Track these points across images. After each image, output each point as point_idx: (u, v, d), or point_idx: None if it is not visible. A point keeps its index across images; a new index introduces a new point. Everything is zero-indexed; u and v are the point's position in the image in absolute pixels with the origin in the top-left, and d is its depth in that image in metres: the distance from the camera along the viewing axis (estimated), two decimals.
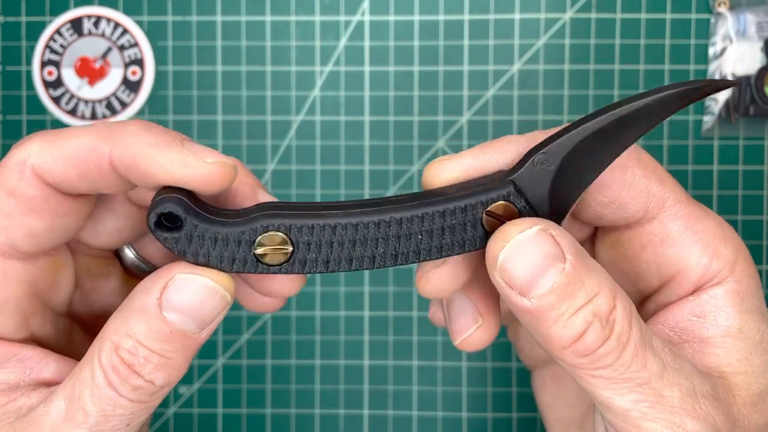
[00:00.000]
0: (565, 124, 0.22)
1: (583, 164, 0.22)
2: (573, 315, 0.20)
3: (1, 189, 0.21)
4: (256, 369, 0.40)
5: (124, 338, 0.20)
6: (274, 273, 0.21)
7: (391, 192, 0.40)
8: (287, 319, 0.40)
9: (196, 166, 0.21)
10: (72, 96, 0.40)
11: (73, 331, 0.25)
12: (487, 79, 0.39)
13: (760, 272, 0.29)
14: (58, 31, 0.40)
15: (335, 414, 0.40)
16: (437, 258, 0.22)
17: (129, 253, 0.26)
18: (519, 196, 0.22)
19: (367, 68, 0.40)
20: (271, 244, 0.21)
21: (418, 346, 0.40)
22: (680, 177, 0.39)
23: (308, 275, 0.21)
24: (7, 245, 0.21)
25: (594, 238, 0.26)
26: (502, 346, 0.40)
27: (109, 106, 0.40)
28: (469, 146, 0.40)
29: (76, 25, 0.40)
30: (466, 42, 0.39)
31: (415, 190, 0.40)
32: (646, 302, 0.25)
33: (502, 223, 0.21)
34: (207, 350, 0.40)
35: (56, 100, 0.40)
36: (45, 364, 0.22)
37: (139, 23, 0.40)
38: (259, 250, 0.21)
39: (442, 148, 0.40)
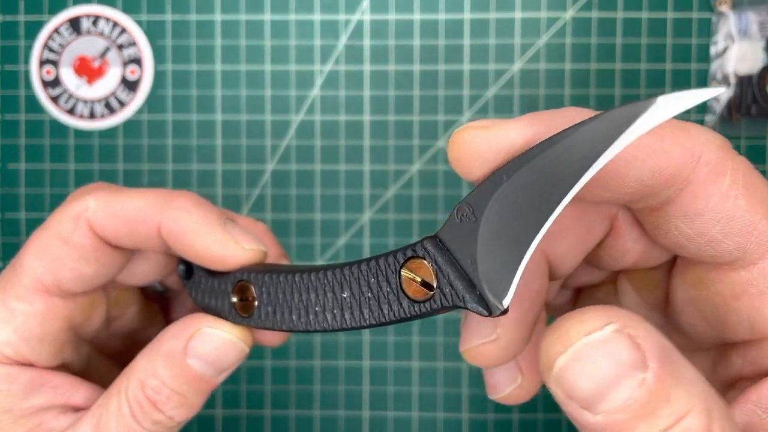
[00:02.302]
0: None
1: (523, 215, 0.17)
2: None
3: (56, 236, 0.23)
4: (255, 370, 0.40)
5: (150, 378, 0.23)
6: (249, 324, 0.23)
7: (390, 192, 0.40)
8: None
9: (234, 252, 0.23)
10: (70, 95, 0.40)
11: (92, 354, 0.27)
12: (487, 78, 0.39)
13: None
14: (56, 30, 0.40)
15: (335, 415, 0.40)
16: (365, 321, 0.20)
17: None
18: (440, 254, 0.18)
19: (367, 67, 0.39)
20: (242, 294, 0.23)
21: (418, 347, 0.40)
22: None
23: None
24: (54, 285, 0.23)
25: (672, 267, 0.22)
26: None
27: (108, 106, 0.40)
28: None
29: (75, 24, 0.40)
30: (466, 41, 0.39)
31: (416, 189, 0.40)
32: (730, 352, 0.21)
33: (420, 285, 0.18)
34: None
35: (55, 100, 0.40)
36: (75, 390, 0.24)
37: (138, 22, 0.40)
38: (234, 299, 0.23)
39: (443, 148, 0.39)
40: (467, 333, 0.20)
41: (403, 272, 0.19)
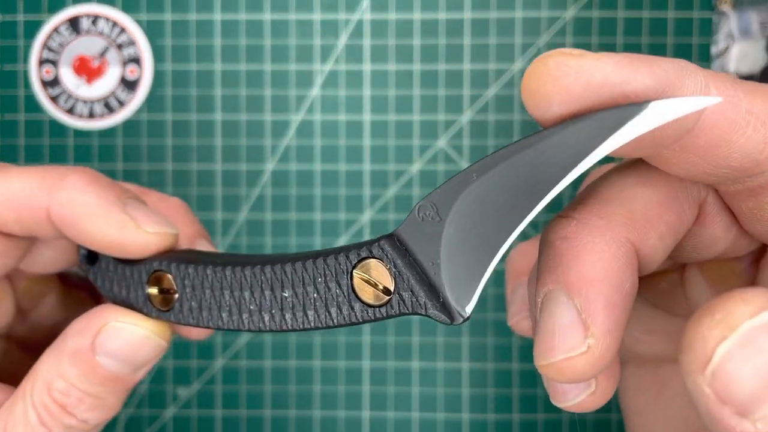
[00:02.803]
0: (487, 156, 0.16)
1: (493, 217, 0.16)
2: None
3: None
4: (255, 370, 0.40)
5: (56, 379, 0.20)
6: (168, 319, 0.21)
7: (390, 191, 0.40)
8: None
9: (135, 237, 0.20)
10: (70, 95, 0.40)
11: (9, 350, 0.24)
12: (487, 78, 0.39)
13: None
14: (55, 30, 0.40)
15: (335, 416, 0.40)
16: (308, 324, 0.18)
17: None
18: (399, 256, 0.17)
19: (367, 67, 0.39)
20: (159, 285, 0.21)
21: (418, 347, 0.40)
22: None
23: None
24: None
25: (761, 258, 0.20)
26: (503, 347, 0.39)
27: (107, 105, 0.40)
28: (471, 146, 0.40)
29: (74, 23, 0.40)
30: (466, 41, 0.39)
31: (416, 189, 0.39)
32: None
33: (375, 288, 0.17)
34: (206, 351, 0.40)
35: (54, 100, 0.40)
36: None
37: (138, 22, 0.40)
38: (150, 291, 0.21)
39: (443, 148, 0.39)
40: (547, 344, 0.17)
41: (356, 273, 0.17)
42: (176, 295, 0.20)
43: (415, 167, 0.39)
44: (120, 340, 0.21)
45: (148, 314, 0.21)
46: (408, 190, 0.39)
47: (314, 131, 0.39)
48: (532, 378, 0.39)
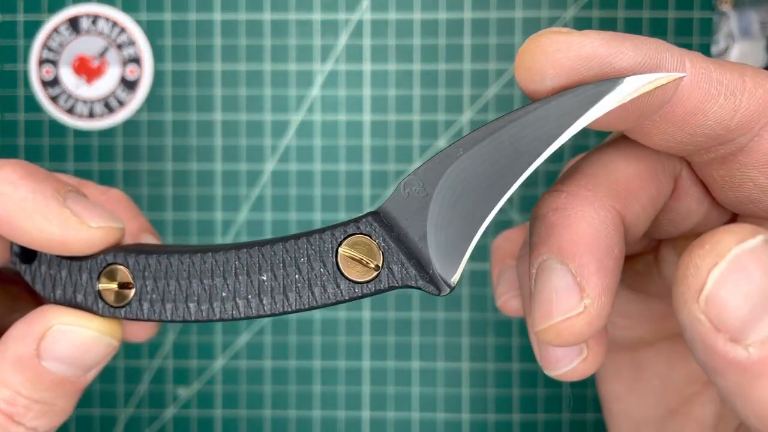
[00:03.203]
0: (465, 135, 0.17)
1: (477, 190, 0.17)
2: None
3: None
4: (255, 370, 0.40)
5: (0, 388, 0.19)
6: (122, 316, 0.19)
7: (390, 192, 0.40)
8: (287, 321, 0.40)
9: (78, 233, 0.19)
10: (70, 95, 0.40)
11: None
12: (487, 77, 0.39)
13: None
14: (55, 30, 0.40)
15: (335, 416, 0.40)
16: (290, 306, 0.18)
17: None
18: (386, 231, 0.17)
19: (367, 67, 0.39)
20: (111, 280, 0.19)
21: (419, 347, 0.40)
22: None
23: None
24: None
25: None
26: (503, 348, 0.39)
27: (107, 105, 0.40)
28: None
29: (74, 23, 0.40)
30: (467, 40, 0.39)
31: None
32: None
33: (362, 263, 0.17)
34: (206, 352, 0.40)
35: (54, 99, 0.40)
36: None
37: (138, 21, 0.40)
38: (102, 286, 0.19)
39: (443, 148, 0.39)
40: (545, 309, 0.17)
41: (341, 250, 0.18)
42: (132, 290, 0.19)
43: (415, 167, 0.39)
44: (67, 343, 0.19)
45: (97, 312, 0.20)
46: None
47: (314, 131, 0.39)
48: (533, 378, 0.39)
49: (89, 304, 0.20)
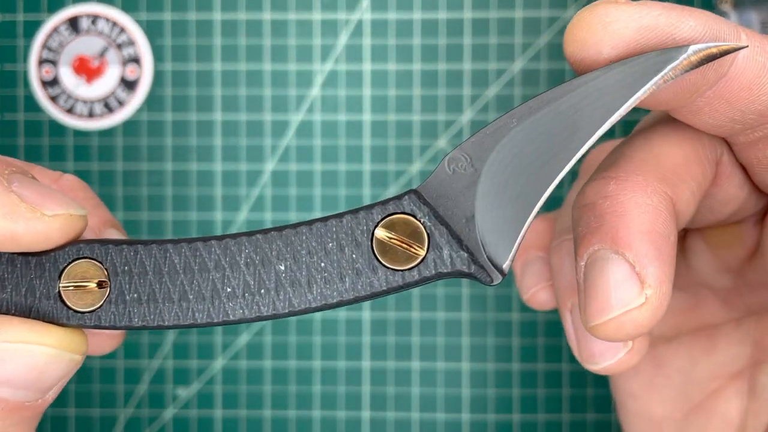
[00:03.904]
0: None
1: (532, 166, 0.15)
2: None
3: None
4: (255, 371, 0.40)
5: None
6: (90, 324, 0.16)
7: (390, 191, 0.40)
8: (286, 321, 0.40)
9: (30, 221, 0.15)
10: (69, 95, 0.40)
11: None
12: (488, 77, 0.39)
13: None
14: (55, 30, 0.40)
15: (335, 416, 0.40)
16: (314, 302, 0.15)
17: None
18: (429, 209, 0.15)
19: (367, 67, 0.39)
20: (80, 278, 0.16)
21: (419, 348, 0.40)
22: None
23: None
24: None
25: (763, 218, 0.20)
26: (503, 348, 0.39)
27: (107, 105, 0.40)
28: None
29: (74, 23, 0.40)
30: (467, 40, 0.39)
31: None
32: None
33: (403, 247, 0.15)
34: (206, 352, 0.40)
35: (53, 99, 0.40)
36: None
37: (138, 21, 0.39)
38: (65, 286, 0.16)
39: (443, 148, 0.39)
40: (602, 302, 0.16)
41: (378, 233, 0.15)
42: (106, 289, 0.16)
43: (415, 167, 0.39)
44: (18, 365, 0.16)
45: (58, 322, 0.16)
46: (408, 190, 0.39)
47: (314, 131, 0.39)
48: (533, 378, 0.39)
49: (46, 311, 0.16)
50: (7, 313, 0.16)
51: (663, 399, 0.23)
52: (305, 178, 0.39)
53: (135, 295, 0.16)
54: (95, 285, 0.16)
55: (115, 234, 0.19)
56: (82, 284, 0.16)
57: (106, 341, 0.19)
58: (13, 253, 0.16)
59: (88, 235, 0.18)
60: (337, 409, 0.40)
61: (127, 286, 0.16)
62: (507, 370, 0.39)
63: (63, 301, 0.16)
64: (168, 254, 0.15)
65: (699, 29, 0.16)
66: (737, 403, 0.21)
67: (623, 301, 0.16)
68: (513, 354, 0.39)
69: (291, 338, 0.40)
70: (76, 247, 0.16)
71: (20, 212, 0.15)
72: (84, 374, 0.40)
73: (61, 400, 0.40)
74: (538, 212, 0.15)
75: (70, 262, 0.16)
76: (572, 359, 0.39)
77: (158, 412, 0.40)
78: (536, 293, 0.23)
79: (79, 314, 0.16)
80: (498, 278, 0.15)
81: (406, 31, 0.39)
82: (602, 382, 0.39)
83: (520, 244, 0.15)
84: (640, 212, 0.16)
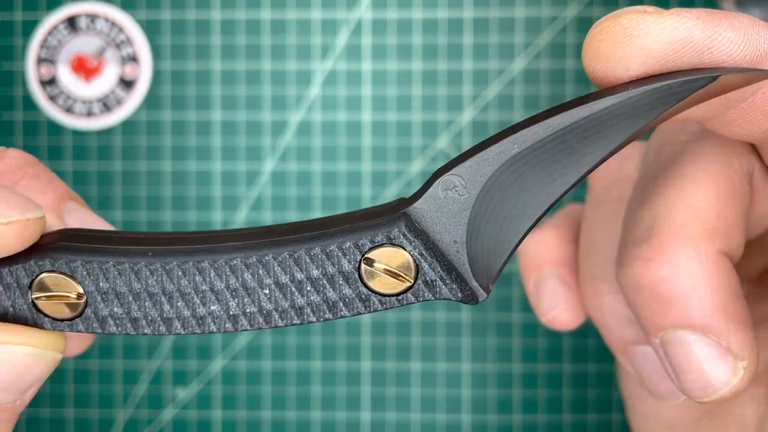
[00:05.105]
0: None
1: (529, 189, 0.15)
2: None
3: None
4: (254, 372, 0.40)
5: None
6: (68, 330, 0.16)
7: (390, 191, 0.39)
8: None
9: None
10: (68, 95, 0.40)
11: None
12: (488, 77, 0.39)
13: None
14: (53, 28, 0.39)
15: (335, 417, 0.40)
16: (299, 320, 0.15)
17: None
18: (418, 240, 0.15)
19: (367, 66, 0.39)
20: (54, 289, 0.15)
21: (419, 348, 0.39)
22: None
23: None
24: None
25: None
26: (504, 349, 0.39)
27: (105, 105, 0.40)
28: (471, 146, 0.39)
29: (72, 22, 0.39)
30: (467, 39, 0.39)
31: (415, 189, 0.39)
32: None
33: (391, 275, 0.15)
34: (205, 353, 0.40)
35: (52, 99, 0.40)
36: None
37: (136, 20, 0.39)
38: (38, 295, 0.15)
39: (443, 148, 0.39)
40: (701, 383, 0.17)
41: (365, 262, 0.15)
42: (83, 300, 0.15)
43: (415, 167, 0.39)
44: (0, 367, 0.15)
45: (35, 325, 0.16)
46: (408, 190, 0.39)
47: (313, 130, 0.39)
48: (533, 380, 0.39)
49: (22, 317, 0.15)
50: None
51: (676, 403, 0.22)
52: (304, 178, 0.39)
53: (113, 309, 0.15)
54: (73, 295, 0.15)
55: (75, 208, 0.18)
56: (55, 295, 0.15)
57: (75, 343, 0.19)
58: None
59: (47, 214, 0.17)
60: (337, 411, 0.40)
61: (104, 302, 0.15)
62: (507, 371, 0.39)
63: (39, 310, 0.16)
64: (142, 275, 0.15)
65: (738, 43, 0.14)
66: (753, 408, 0.20)
67: (723, 380, 0.16)
68: (513, 355, 0.39)
69: (290, 339, 0.39)
70: (41, 262, 0.15)
71: None
72: (82, 375, 0.40)
73: (59, 401, 0.40)
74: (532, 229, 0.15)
75: (38, 275, 0.15)
76: (573, 360, 0.39)
77: (157, 414, 0.40)
78: (556, 316, 0.22)
79: (57, 321, 0.16)
80: (483, 297, 0.15)
81: (406, 30, 0.39)
82: (603, 383, 0.39)
83: (506, 263, 0.15)
84: (705, 290, 0.16)
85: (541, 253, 0.22)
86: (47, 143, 0.40)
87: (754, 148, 0.18)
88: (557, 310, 0.22)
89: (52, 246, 0.15)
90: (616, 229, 0.20)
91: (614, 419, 0.39)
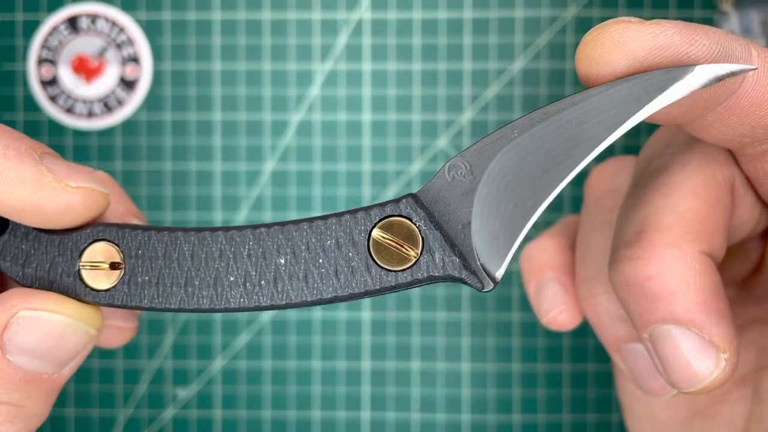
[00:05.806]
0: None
1: (530, 177, 0.15)
2: None
3: None
4: (254, 371, 0.40)
5: None
6: (105, 302, 0.17)
7: (390, 191, 0.40)
8: (286, 321, 0.40)
9: (55, 191, 0.16)
10: (69, 95, 0.40)
11: None
12: (488, 77, 0.39)
13: None
14: (54, 29, 0.40)
15: (335, 417, 0.40)
16: (310, 295, 0.16)
17: None
18: (425, 213, 0.16)
19: (367, 66, 0.39)
20: (99, 258, 0.17)
21: (419, 348, 0.39)
22: None
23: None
24: None
25: (766, 232, 0.21)
26: (503, 348, 0.39)
27: (106, 105, 0.40)
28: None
29: (73, 22, 0.39)
30: (467, 40, 0.39)
31: (415, 189, 0.39)
32: None
33: (397, 248, 0.16)
34: (205, 352, 0.40)
35: (53, 99, 0.40)
36: None
37: (137, 21, 0.39)
38: (84, 264, 0.17)
39: (443, 148, 0.39)
40: (684, 374, 0.18)
41: (375, 234, 0.16)
42: (121, 271, 0.17)
43: (415, 167, 0.39)
44: (36, 332, 0.17)
45: (76, 297, 0.17)
46: (408, 190, 0.39)
47: (314, 131, 0.39)
48: (533, 379, 0.39)
49: (66, 287, 0.17)
50: (30, 287, 0.17)
51: (669, 402, 0.23)
52: (305, 178, 0.39)
53: (146, 278, 0.17)
54: (111, 266, 0.17)
55: (135, 222, 0.20)
56: (99, 264, 0.17)
57: (116, 334, 0.20)
58: (41, 231, 0.17)
59: (112, 220, 0.19)
60: (337, 410, 0.40)
61: (140, 269, 0.17)
62: (507, 371, 0.39)
63: (81, 279, 0.17)
64: (178, 241, 0.16)
65: (712, 48, 0.16)
66: (742, 407, 0.21)
67: (705, 371, 0.18)
68: (513, 354, 0.39)
69: (290, 339, 0.40)
70: (96, 229, 0.17)
71: (46, 182, 0.16)
72: (83, 374, 0.40)
73: (60, 400, 0.40)
74: (536, 221, 0.16)
75: (90, 243, 0.17)
76: (572, 359, 0.39)
77: (158, 413, 0.40)
78: (556, 316, 0.24)
79: (95, 292, 0.17)
80: (489, 285, 0.16)
81: (406, 31, 0.39)
82: (602, 383, 0.39)
83: (513, 253, 0.16)
84: (689, 286, 0.17)
85: (542, 259, 0.24)
86: (48, 143, 0.40)
87: (735, 159, 0.19)
88: (556, 311, 0.23)
89: (103, 222, 0.17)
90: (608, 235, 0.21)
91: (613, 419, 0.39)
